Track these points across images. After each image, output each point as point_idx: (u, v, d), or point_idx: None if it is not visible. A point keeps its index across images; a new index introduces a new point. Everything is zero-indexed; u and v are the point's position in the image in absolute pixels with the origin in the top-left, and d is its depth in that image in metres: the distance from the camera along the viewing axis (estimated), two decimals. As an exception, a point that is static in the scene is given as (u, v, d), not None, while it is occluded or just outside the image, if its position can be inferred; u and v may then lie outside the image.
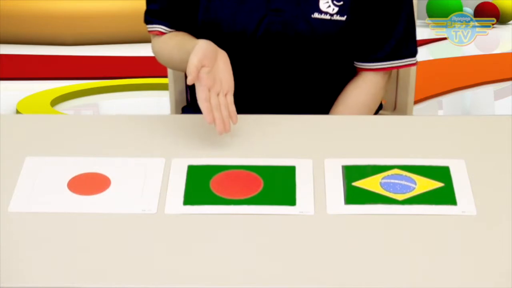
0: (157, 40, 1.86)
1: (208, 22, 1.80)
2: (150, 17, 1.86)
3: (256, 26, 1.78)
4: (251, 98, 1.84)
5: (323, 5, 1.76)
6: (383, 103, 2.04)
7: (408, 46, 1.84)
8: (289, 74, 1.82)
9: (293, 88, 1.84)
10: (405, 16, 1.82)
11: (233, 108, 1.56)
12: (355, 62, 1.85)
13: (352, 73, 1.87)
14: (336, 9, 1.76)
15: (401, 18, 1.81)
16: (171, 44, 1.81)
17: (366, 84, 1.84)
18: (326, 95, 1.86)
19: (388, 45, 1.82)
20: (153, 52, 1.88)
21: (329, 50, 1.80)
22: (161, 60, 1.88)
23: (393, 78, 2.07)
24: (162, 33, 1.85)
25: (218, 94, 1.55)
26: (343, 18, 1.77)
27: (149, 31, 1.87)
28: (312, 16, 1.77)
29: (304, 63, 1.81)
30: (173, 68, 1.98)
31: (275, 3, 1.77)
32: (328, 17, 1.76)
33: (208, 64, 1.55)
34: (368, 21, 1.80)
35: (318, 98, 1.86)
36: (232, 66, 1.63)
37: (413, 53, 1.85)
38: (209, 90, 1.54)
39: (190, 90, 2.03)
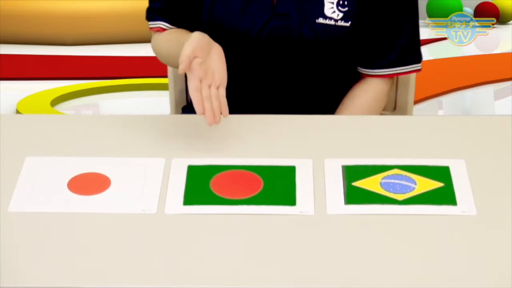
0: (157, 37, 1.86)
1: (212, 22, 1.80)
2: (152, 14, 1.86)
3: (260, 29, 1.78)
4: (253, 99, 1.84)
5: (328, 11, 1.76)
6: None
7: (413, 52, 1.84)
8: (291, 77, 1.82)
9: (296, 91, 1.83)
10: (411, 23, 1.82)
11: (224, 100, 1.53)
12: (360, 68, 1.85)
13: (355, 78, 1.87)
14: (341, 15, 1.76)
15: (406, 25, 1.81)
16: (169, 40, 1.81)
17: (372, 90, 1.84)
18: (328, 99, 1.86)
19: (394, 52, 1.82)
20: (152, 49, 1.88)
21: (333, 55, 1.80)
22: (160, 56, 1.87)
23: (393, 79, 2.07)
24: (163, 30, 1.85)
25: (210, 86, 1.54)
26: (347, 24, 1.76)
27: (150, 28, 1.87)
28: (317, 21, 1.76)
29: (307, 67, 1.81)
30: (172, 65, 1.96)
31: (280, 7, 1.77)
32: (332, 22, 1.76)
33: (201, 55, 1.53)
34: (373, 28, 1.80)
35: (321, 101, 1.85)
36: (235, 67, 1.63)
37: (418, 59, 1.86)
38: (200, 81, 1.52)
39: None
